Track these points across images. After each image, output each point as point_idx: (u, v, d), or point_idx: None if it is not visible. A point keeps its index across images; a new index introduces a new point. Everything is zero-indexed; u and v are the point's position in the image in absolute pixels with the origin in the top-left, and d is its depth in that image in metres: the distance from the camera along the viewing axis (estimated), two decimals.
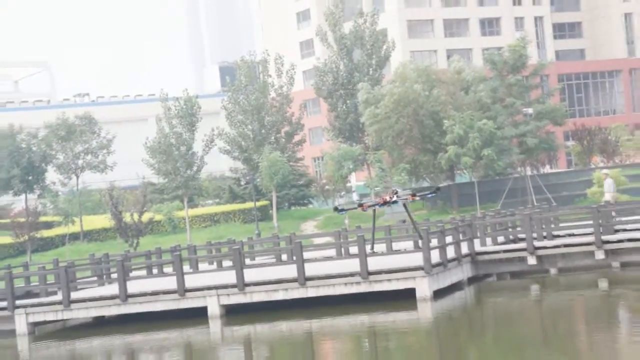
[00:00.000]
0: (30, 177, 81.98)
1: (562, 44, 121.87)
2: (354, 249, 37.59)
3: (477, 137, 69.08)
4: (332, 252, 41.65)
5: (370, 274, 32.34)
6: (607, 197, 49.38)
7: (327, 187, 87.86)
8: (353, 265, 33.28)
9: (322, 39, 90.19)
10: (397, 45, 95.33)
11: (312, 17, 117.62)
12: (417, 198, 41.14)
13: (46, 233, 75.76)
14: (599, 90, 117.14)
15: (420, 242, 34.12)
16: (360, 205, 39.49)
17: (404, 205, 40.14)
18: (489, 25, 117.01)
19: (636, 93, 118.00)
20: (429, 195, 50.25)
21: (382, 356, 25.97)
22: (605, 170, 54.48)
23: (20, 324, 35.46)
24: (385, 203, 38.08)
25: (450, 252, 34.99)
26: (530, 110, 77.21)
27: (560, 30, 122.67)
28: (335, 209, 43.34)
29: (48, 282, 39.87)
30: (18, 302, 36.17)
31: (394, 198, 37.47)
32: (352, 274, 32.81)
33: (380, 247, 38.99)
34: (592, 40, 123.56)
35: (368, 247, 34.12)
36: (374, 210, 40.43)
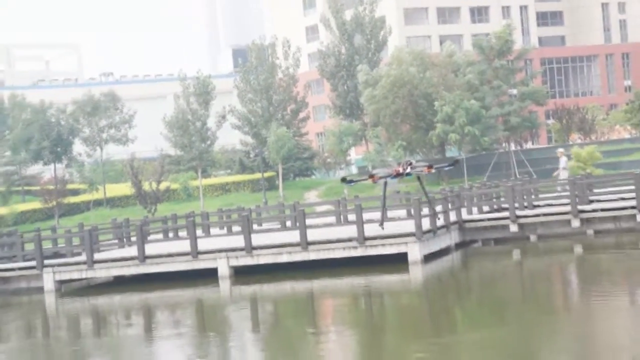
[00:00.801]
0: (58, 149, 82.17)
1: (544, 31, 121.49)
2: (352, 217, 37.47)
3: (463, 115, 69.11)
4: (332, 219, 41.54)
5: (366, 239, 32.33)
6: (562, 174, 49.20)
7: (328, 160, 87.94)
8: (351, 231, 33.25)
9: (326, 25, 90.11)
10: (393, 31, 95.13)
11: (317, 4, 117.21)
12: (434, 170, 36.43)
13: (72, 199, 76.00)
14: (578, 74, 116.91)
15: (411, 210, 33.90)
16: (371, 176, 35.44)
17: (418, 177, 37.49)
18: (479, 14, 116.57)
19: (611, 76, 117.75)
20: (447, 168, 46.67)
21: (377, 314, 25.98)
22: (560, 149, 54.32)
23: (48, 281, 35.52)
24: (398, 175, 34.07)
25: (440, 220, 34.95)
26: (514, 92, 77.28)
27: (543, 18, 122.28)
28: (344, 179, 38.82)
29: (74, 244, 39.97)
30: (46, 261, 36.22)
31: (408, 170, 33.58)
32: (350, 239, 32.79)
33: (375, 214, 38.76)
34: (572, 27, 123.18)
35: (375, 215, 33.90)
36: (385, 183, 35.54)
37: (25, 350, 25.12)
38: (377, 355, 19.76)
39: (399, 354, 19.48)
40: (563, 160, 50.12)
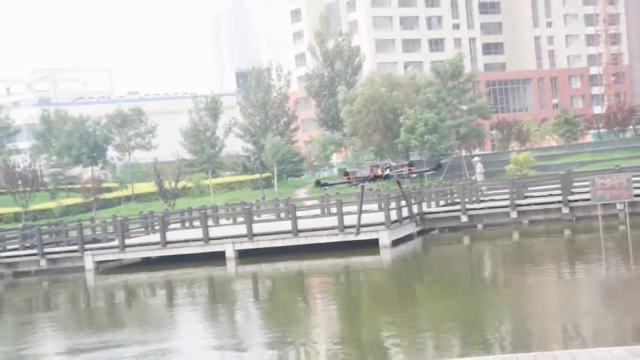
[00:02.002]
0: (95, 154, 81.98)
1: (489, 59, 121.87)
2: (334, 209, 37.66)
3: (422, 126, 69.45)
4: (317, 211, 41.77)
5: (345, 227, 32.49)
6: (478, 177, 49.50)
7: (314, 163, 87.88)
8: (333, 221, 33.45)
9: (312, 53, 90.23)
10: (367, 58, 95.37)
11: (304, 36, 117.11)
12: (414, 174, 31.95)
13: (107, 195, 75.80)
14: (516, 94, 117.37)
15: (382, 204, 33.91)
16: (347, 174, 31.30)
17: (398, 182, 33.98)
18: (435, 44, 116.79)
19: (542, 96, 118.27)
20: (428, 173, 40.91)
21: (354, 287, 26.19)
22: (476, 158, 54.44)
23: (88, 262, 35.64)
24: (376, 177, 30.19)
25: (405, 212, 35.12)
26: (464, 107, 77.47)
27: (488, 49, 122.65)
28: (317, 183, 33.98)
29: (108, 232, 39.95)
30: (86, 246, 36.34)
31: (386, 172, 29.98)
32: (332, 228, 32.96)
33: (352, 207, 38.83)
34: (511, 56, 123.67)
35: (352, 208, 33.44)
36: (362, 188, 31.55)
37: (73, 315, 25.28)
38: (354, 319, 20.01)
39: (372, 318, 19.75)
40: (479, 166, 50.57)
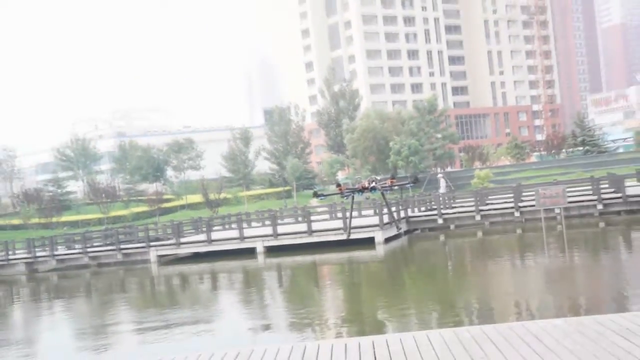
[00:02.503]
0: (158, 173, 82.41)
1: (457, 98, 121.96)
2: (340, 214, 37.60)
3: (406, 150, 69.42)
4: (327, 216, 41.75)
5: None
6: (442, 190, 49.17)
7: (324, 179, 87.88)
8: (339, 223, 33.41)
9: (322, 95, 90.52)
10: (364, 98, 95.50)
11: (316, 82, 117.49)
12: (396, 187, 32.45)
13: (166, 205, 75.95)
14: (478, 125, 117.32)
15: (376, 210, 33.86)
16: (339, 185, 31.96)
17: (382, 193, 34.40)
18: (416, 87, 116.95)
19: (497, 126, 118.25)
20: (408, 186, 42.09)
21: (355, 274, 26.12)
22: (440, 174, 54.00)
23: (152, 255, 35.71)
24: (364, 189, 31.29)
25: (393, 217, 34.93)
26: (439, 135, 77.43)
27: (456, 91, 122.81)
28: (315, 194, 34.81)
29: (167, 232, 40.10)
30: (151, 243, 36.43)
31: (373, 184, 30.52)
32: (338, 229, 32.95)
33: (353, 213, 38.63)
34: (473, 96, 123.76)
35: (353, 214, 32.80)
36: (352, 198, 33.01)
37: (142, 297, 25.29)
38: (356, 298, 19.96)
39: (369, 298, 19.69)
40: (442, 181, 50.26)
